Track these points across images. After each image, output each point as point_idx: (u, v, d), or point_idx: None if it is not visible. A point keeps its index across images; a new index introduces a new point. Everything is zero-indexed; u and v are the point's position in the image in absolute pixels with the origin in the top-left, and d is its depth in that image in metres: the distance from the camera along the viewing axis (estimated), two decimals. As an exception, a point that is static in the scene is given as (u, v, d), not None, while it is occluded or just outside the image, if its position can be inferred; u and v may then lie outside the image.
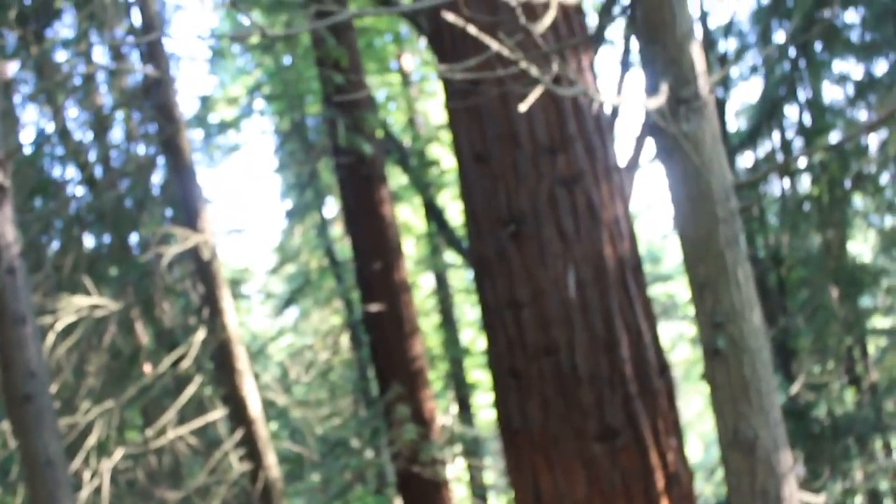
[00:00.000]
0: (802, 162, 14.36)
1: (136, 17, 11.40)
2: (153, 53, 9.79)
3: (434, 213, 14.09)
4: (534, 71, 3.32)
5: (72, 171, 13.27)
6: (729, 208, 4.47)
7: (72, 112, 13.63)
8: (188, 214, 9.85)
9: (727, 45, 14.78)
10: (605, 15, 10.43)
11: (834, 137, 13.93)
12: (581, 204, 6.44)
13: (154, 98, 9.81)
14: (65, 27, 13.52)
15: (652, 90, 4.51)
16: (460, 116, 6.64)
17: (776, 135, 14.80)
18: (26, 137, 14.61)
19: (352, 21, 11.43)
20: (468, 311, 20.80)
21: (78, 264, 10.67)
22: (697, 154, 4.40)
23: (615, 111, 9.88)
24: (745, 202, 4.64)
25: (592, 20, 11.46)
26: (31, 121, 13.95)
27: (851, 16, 13.72)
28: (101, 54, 14.15)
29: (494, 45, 3.18)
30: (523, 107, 3.36)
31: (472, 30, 3.17)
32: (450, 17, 3.20)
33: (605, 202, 6.52)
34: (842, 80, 14.26)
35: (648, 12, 4.41)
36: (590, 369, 6.30)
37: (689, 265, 4.65)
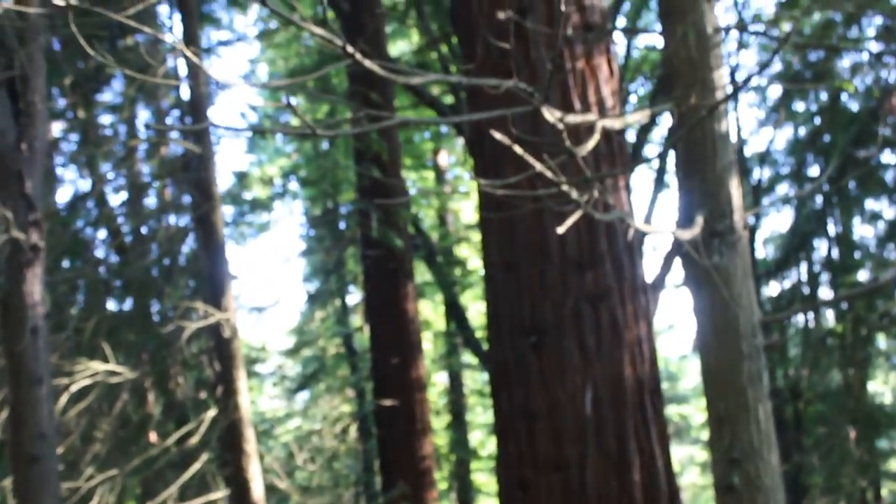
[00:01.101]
0: (828, 295, 14.33)
1: (184, 90, 11.66)
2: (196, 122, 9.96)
3: (455, 313, 14.11)
4: (574, 195, 3.37)
5: (103, 234, 13.43)
6: (755, 344, 4.46)
7: (109, 175, 13.84)
8: (213, 290, 9.92)
9: (762, 174, 14.90)
10: (644, 135, 10.57)
11: (862, 276, 13.92)
12: (605, 322, 6.44)
13: (193, 173, 9.96)
14: (113, 92, 13.82)
15: (686, 220, 4.55)
16: (493, 222, 6.70)
17: (803, 267, 14.82)
18: (62, 196, 14.84)
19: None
20: (480, 413, 20.66)
21: (99, 328, 10.71)
22: (727, 287, 4.42)
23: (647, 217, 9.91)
24: (771, 339, 4.63)
25: (630, 136, 11.60)
26: (69, 179, 14.16)
27: (888, 156, 13.84)
28: (144, 122, 14.40)
29: (538, 166, 3.23)
30: (561, 229, 3.40)
31: (517, 149, 3.23)
32: (497, 135, 3.27)
33: (629, 322, 6.51)
34: (873, 218, 14.31)
35: (690, 145, 4.47)
36: (599, 489, 6.23)
37: (710, 397, 4.62)
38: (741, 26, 6.06)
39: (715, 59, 4.48)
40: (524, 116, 4.87)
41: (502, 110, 3.57)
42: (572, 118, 3.68)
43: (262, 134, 14.98)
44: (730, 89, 4.54)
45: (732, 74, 12.12)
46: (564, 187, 3.32)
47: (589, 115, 4.30)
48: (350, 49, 3.12)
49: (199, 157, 9.88)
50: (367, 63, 3.17)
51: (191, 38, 11.23)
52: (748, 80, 3.55)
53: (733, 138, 4.63)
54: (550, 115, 3.29)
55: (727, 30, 4.72)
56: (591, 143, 3.73)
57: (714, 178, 4.48)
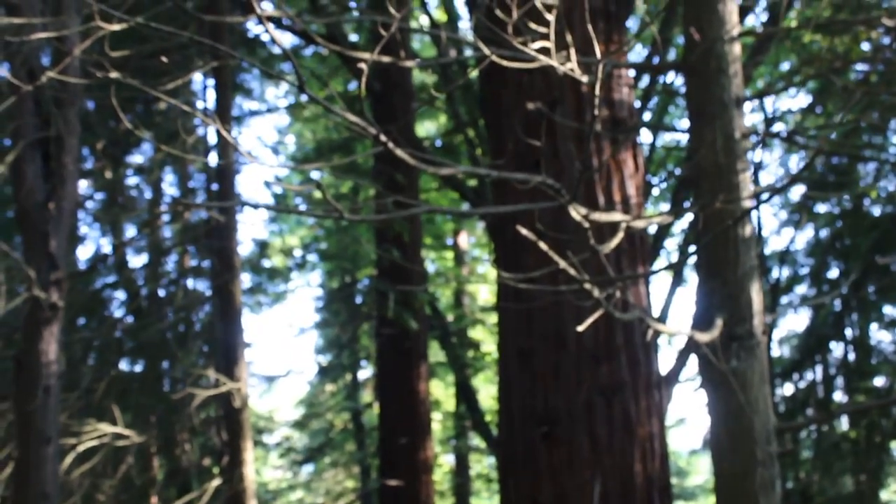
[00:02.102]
0: (843, 399, 14.19)
1: (212, 156, 11.81)
2: (222, 197, 10.06)
3: (466, 395, 14.03)
4: (596, 293, 3.38)
5: (121, 295, 13.49)
6: (769, 451, 4.43)
7: (131, 235, 13.95)
8: (226, 359, 9.92)
9: (781, 273, 14.87)
10: (665, 229, 10.58)
11: (878, 381, 13.80)
12: (617, 416, 6.40)
13: (215, 241, 10.03)
14: (142, 154, 13.99)
15: (705, 321, 4.54)
16: (510, 310, 6.70)
17: (819, 369, 14.70)
18: (83, 253, 14.94)
19: (416, 196, 11.73)
20: (485, 498, 20.41)
21: (110, 390, 10.71)
22: (743, 392, 4.40)
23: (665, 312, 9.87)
24: (785, 447, 4.59)
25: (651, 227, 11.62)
26: (92, 237, 14.27)
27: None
28: (170, 195, 14.58)
29: (561, 263, 3.25)
30: (581, 327, 3.41)
31: (542, 246, 3.25)
32: (522, 230, 3.30)
33: (641, 418, 6.47)
34: (891, 324, 14.23)
35: (712, 247, 4.49)
36: (604, 586, 6.14)
37: (721, 502, 4.57)
38: (768, 133, 6.11)
39: (741, 164, 4.52)
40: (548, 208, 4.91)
41: (528, 205, 3.61)
42: (598, 216, 3.71)
43: (288, 213, 15.06)
44: (755, 198, 4.57)
45: (756, 174, 12.23)
46: (587, 286, 3.34)
47: (614, 213, 4.33)
48: (382, 137, 3.17)
49: (221, 226, 9.95)
50: (398, 151, 3.22)
51: (223, 109, 11.41)
52: (776, 190, 3.58)
53: (755, 238, 4.64)
54: (577, 213, 3.32)
55: (754, 135, 4.77)
56: (614, 242, 3.76)
57: (735, 281, 4.48)
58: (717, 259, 4.50)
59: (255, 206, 5.97)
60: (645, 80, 9.57)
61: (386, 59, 3.67)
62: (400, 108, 11.44)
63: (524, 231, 3.28)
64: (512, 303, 6.43)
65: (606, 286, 3.57)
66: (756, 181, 12.11)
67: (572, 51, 3.71)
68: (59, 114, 7.00)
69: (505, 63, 3.68)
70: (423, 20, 13.56)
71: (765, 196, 4.14)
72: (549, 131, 6.24)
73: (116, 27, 3.58)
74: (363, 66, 2.90)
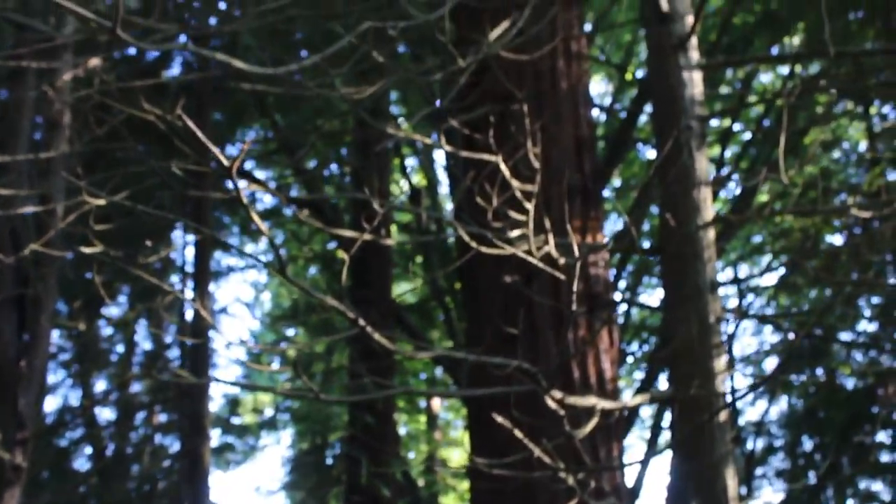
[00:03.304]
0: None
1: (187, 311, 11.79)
2: (195, 359, 10.01)
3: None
4: (570, 480, 3.36)
5: (87, 450, 13.22)
6: None
7: (100, 385, 13.79)
8: (192, 523, 9.69)
9: (755, 444, 14.78)
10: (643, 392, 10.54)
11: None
12: None
13: (186, 403, 9.92)
14: (117, 306, 13.93)
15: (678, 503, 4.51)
16: (483, 490, 6.60)
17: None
18: (50, 404, 14.68)
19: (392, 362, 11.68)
20: None
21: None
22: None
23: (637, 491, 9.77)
24: None
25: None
26: (60, 389, 14.07)
27: (883, 436, 13.76)
28: (143, 339, 14.49)
29: (536, 451, 3.24)
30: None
31: (517, 433, 3.24)
32: (497, 417, 3.29)
33: None
34: (868, 498, 14.08)
35: (687, 433, 4.49)
36: None
37: None
38: (742, 313, 6.20)
39: (716, 349, 4.56)
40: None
41: (505, 388, 3.61)
42: (574, 400, 3.71)
43: (263, 390, 14.99)
44: (731, 393, 4.60)
45: (730, 346, 12.29)
46: (561, 473, 3.32)
47: (590, 397, 4.34)
48: (361, 321, 3.19)
49: (193, 388, 9.87)
50: (377, 336, 3.24)
51: (202, 265, 11.51)
52: (753, 387, 3.61)
53: (730, 422, 4.64)
54: (552, 400, 3.32)
55: (729, 318, 4.83)
56: (589, 427, 3.75)
57: (710, 466, 4.46)
58: (691, 444, 4.48)
59: (228, 383, 5.93)
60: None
61: (367, 236, 3.72)
62: (376, 271, 11.48)
63: (499, 419, 3.27)
64: (484, 482, 6.34)
65: (581, 473, 3.55)
66: (730, 353, 12.18)
67: (550, 235, 3.78)
68: (39, 276, 7.03)
69: (484, 249, 3.75)
70: (404, 183, 13.81)
71: (741, 392, 4.17)
72: (527, 307, 6.28)
73: (102, 201, 3.63)
74: (344, 256, 2.95)
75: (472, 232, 4.01)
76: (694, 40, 5.28)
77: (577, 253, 3.78)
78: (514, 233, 3.69)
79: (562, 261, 3.88)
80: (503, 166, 3.61)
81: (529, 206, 3.54)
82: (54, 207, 6.45)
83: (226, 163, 2.60)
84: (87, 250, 3.32)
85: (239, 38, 8.47)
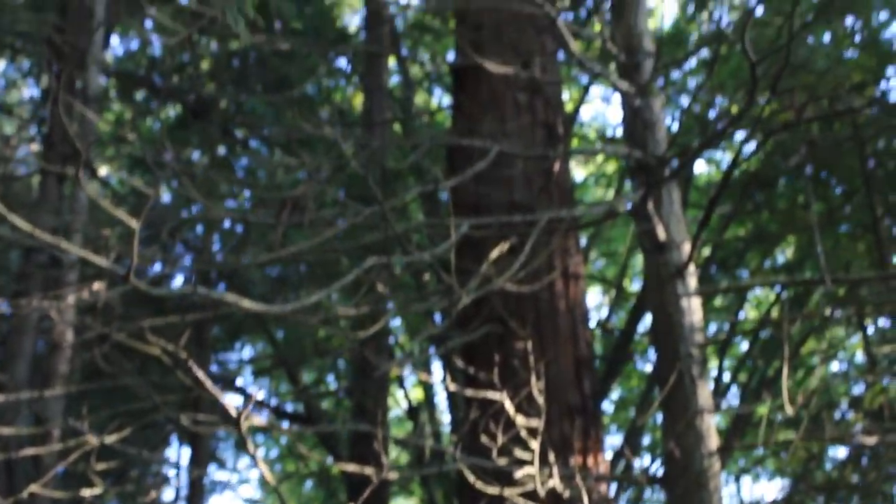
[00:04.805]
0: None
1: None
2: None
3: None
4: None
5: None
6: None
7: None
8: None
9: None
10: None
11: None
12: None
13: None
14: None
15: None
16: None
17: None
18: None
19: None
20: None
21: None
22: None
23: None
24: None
25: None
26: None
27: None
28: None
29: None
30: None
31: None
32: None
33: None
34: None
35: None
36: None
37: None
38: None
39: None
40: None
41: None
42: None
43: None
44: None
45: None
46: None
47: None
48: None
49: None
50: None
51: (196, 480, 11.32)
52: None
53: None
54: None
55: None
56: None
57: None
58: None
59: None
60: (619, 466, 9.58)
61: (367, 470, 3.67)
62: (375, 492, 11.23)
63: None
64: None
65: None
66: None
67: (555, 468, 3.74)
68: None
69: (490, 490, 3.69)
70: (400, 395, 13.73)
71: None
72: None
73: (98, 442, 3.61)
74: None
75: (475, 466, 3.97)
76: (692, 267, 5.37)
77: (580, 483, 3.73)
78: (518, 474, 3.65)
79: (566, 494, 3.83)
80: (508, 403, 3.61)
81: (535, 444, 3.52)
82: (51, 432, 6.40)
83: (234, 414, 2.60)
84: (87, 492, 3.28)
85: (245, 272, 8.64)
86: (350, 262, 7.20)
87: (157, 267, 7.92)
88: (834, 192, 9.14)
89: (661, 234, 5.36)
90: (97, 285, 6.61)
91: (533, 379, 3.73)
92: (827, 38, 8.22)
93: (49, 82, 8.69)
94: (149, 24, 9.61)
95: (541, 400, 3.63)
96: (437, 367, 12.07)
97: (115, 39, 10.55)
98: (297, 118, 8.91)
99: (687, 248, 5.39)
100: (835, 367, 12.42)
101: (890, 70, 8.05)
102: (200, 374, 2.77)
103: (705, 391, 5.02)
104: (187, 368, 3.24)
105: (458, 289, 4.33)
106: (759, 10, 8.08)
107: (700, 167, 11.56)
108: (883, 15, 8.26)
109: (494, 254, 5.16)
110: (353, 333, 4.49)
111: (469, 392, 4.01)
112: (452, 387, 4.49)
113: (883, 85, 8.07)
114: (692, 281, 5.35)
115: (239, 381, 12.20)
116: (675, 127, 9.52)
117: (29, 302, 7.09)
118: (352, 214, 4.88)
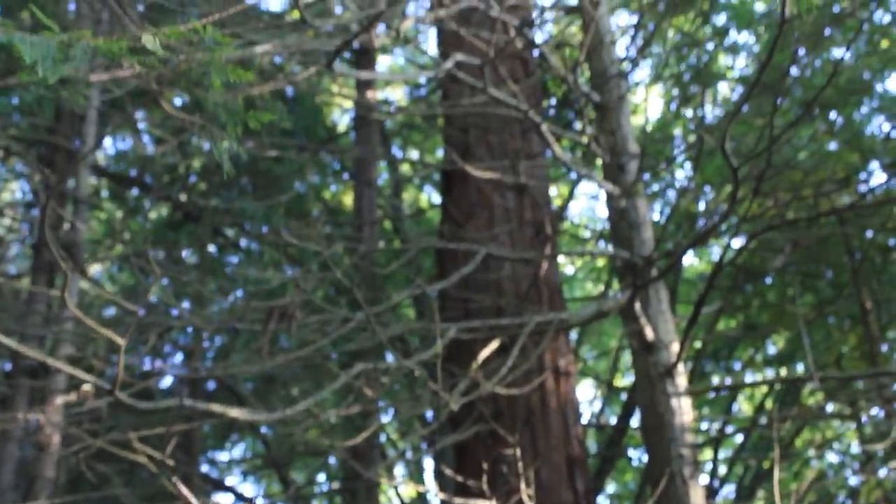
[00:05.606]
0: None
1: None
2: None
3: None
4: None
5: None
6: None
7: None
8: None
9: None
10: None
11: None
12: None
13: None
14: None
15: None
16: None
17: None
18: None
19: None
20: None
21: None
22: None
23: None
24: None
25: None
26: None
27: None
28: None
29: None
30: None
31: None
32: None
33: None
34: None
35: None
36: None
37: None
38: None
39: None
40: None
41: None
42: None
43: None
44: None
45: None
46: None
47: None
48: None
49: None
50: None
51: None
52: None
53: None
54: None
55: None
56: None
57: None
58: None
59: None
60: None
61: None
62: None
63: None
64: None
65: None
66: None
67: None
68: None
69: None
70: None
71: None
72: None
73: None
74: None
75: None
76: (681, 367, 5.36)
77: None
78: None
79: None
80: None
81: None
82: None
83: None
84: None
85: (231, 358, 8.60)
86: (340, 363, 7.19)
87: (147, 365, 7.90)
88: (823, 284, 9.16)
89: (650, 334, 5.37)
90: (84, 388, 6.58)
91: (522, 485, 3.70)
92: (809, 132, 8.33)
93: (40, 183, 8.74)
94: (141, 124, 9.73)
95: (531, 506, 3.60)
96: (429, 463, 11.96)
97: (107, 140, 10.64)
98: (288, 218, 8.98)
99: (675, 347, 5.39)
100: (831, 457, 12.33)
101: (872, 164, 8.14)
102: (184, 490, 2.74)
103: (698, 492, 4.98)
104: (172, 480, 3.21)
105: (444, 395, 4.31)
106: (744, 108, 8.20)
107: (689, 259, 11.60)
108: (864, 109, 8.41)
109: (483, 356, 5.16)
110: (341, 443, 4.44)
111: (459, 502, 3.97)
112: (442, 496, 4.43)
113: (865, 178, 8.16)
114: (682, 380, 5.34)
115: (229, 481, 12.03)
116: (663, 220, 9.58)
117: (14, 417, 7.06)
118: (339, 322, 4.88)
